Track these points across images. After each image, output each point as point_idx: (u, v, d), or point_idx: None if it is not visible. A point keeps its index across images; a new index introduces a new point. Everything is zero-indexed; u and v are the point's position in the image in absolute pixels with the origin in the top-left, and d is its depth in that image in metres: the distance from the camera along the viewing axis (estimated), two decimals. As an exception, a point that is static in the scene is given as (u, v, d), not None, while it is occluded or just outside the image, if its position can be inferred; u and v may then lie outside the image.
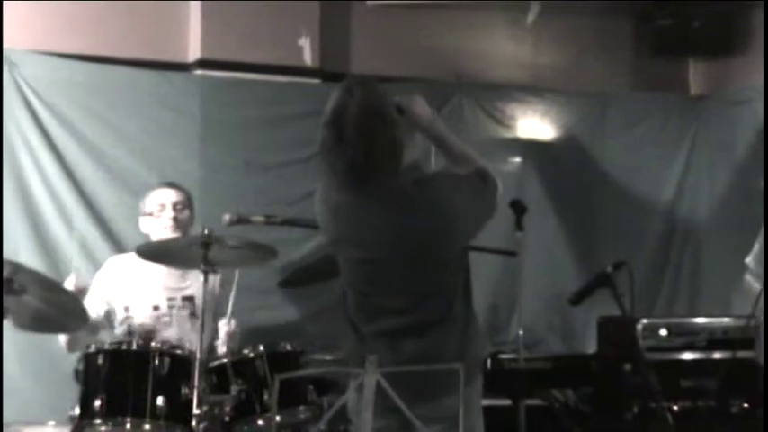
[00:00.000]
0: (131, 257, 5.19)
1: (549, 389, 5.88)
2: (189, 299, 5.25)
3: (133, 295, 5.23)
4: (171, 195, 5.33)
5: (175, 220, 5.25)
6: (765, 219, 5.48)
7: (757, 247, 5.64)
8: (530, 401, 5.27)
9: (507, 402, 5.30)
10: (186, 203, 5.34)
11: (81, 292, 4.94)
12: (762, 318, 5.46)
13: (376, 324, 3.67)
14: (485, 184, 3.69)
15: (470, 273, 3.79)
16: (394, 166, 3.52)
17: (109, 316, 5.24)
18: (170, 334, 5.13)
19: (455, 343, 3.62)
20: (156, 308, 5.22)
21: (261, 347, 4.74)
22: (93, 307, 5.12)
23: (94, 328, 5.20)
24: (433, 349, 3.59)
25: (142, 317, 5.20)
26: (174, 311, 5.23)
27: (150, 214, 5.34)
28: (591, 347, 6.28)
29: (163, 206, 5.30)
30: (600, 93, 7.40)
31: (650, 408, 5.32)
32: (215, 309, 5.20)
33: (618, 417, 5.66)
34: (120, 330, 5.21)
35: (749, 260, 5.69)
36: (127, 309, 5.23)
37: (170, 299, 5.25)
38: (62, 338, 5.14)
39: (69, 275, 5.07)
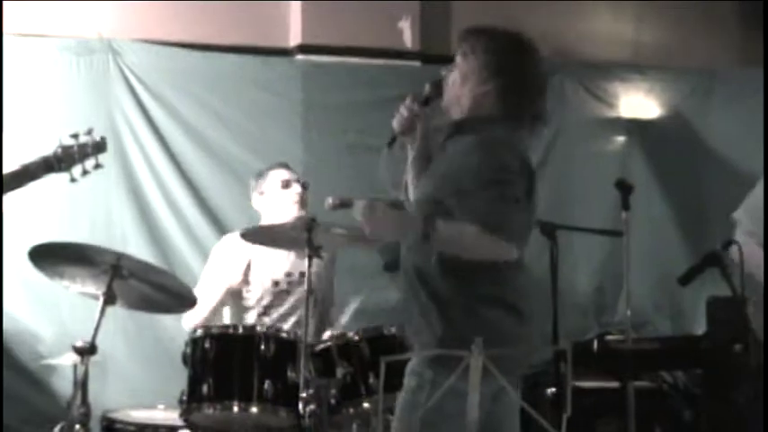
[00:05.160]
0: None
1: (657, 370, 5.81)
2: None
3: (254, 272, 5.28)
4: (292, 174, 5.38)
5: (301, 196, 5.27)
6: (765, 215, 5.30)
7: (751, 200, 5.42)
8: (638, 383, 5.21)
9: (615, 384, 5.24)
10: (306, 183, 5.35)
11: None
12: None
13: None
14: None
15: None
16: None
17: (232, 293, 5.29)
18: (288, 308, 5.17)
19: None
20: (276, 283, 5.26)
21: (366, 330, 4.74)
22: (215, 287, 5.20)
23: (217, 308, 5.27)
24: None
25: (262, 292, 5.25)
26: (293, 287, 5.26)
27: (264, 193, 5.36)
28: (700, 328, 6.17)
29: (287, 182, 5.33)
30: (705, 69, 7.26)
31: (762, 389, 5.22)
32: (326, 292, 5.27)
33: (729, 399, 5.56)
34: (248, 310, 5.26)
35: (738, 214, 5.42)
36: (248, 283, 5.28)
37: (288, 274, 5.29)
38: (190, 322, 5.15)
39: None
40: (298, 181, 5.34)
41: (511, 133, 3.56)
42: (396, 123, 3.76)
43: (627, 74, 7.10)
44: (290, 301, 5.23)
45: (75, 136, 4.18)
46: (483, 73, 3.59)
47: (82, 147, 4.18)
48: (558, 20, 7.08)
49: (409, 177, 3.85)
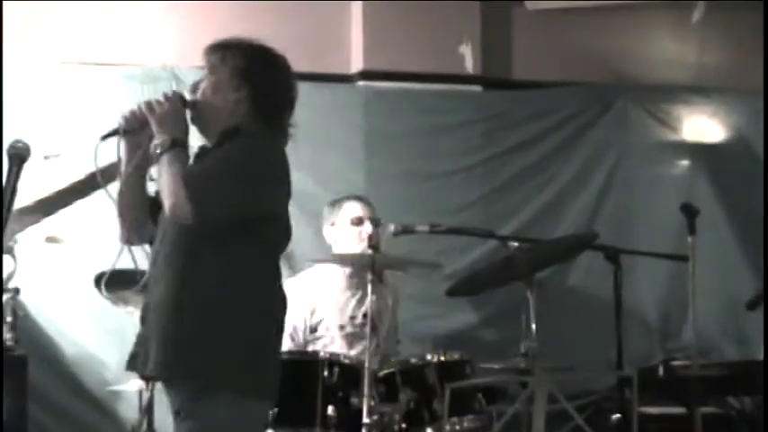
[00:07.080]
0: (311, 279, 5.27)
1: (724, 396, 5.74)
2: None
3: (319, 316, 5.27)
4: (366, 210, 5.35)
5: (370, 236, 5.15)
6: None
7: None
8: (705, 409, 5.15)
9: (681, 410, 5.19)
10: (378, 221, 5.31)
11: None
12: None
13: None
14: None
15: None
16: None
17: (295, 333, 5.27)
18: (357, 351, 5.13)
19: None
20: (341, 327, 5.25)
21: (429, 356, 4.73)
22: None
23: None
24: None
25: (330, 337, 5.23)
26: (358, 329, 5.22)
27: (335, 225, 5.37)
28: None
29: (360, 219, 5.31)
30: (770, 91, 7.19)
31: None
32: (390, 326, 5.24)
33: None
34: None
35: None
36: (315, 329, 5.26)
37: (352, 317, 5.27)
38: None
39: None
40: (370, 218, 5.31)
41: (274, 140, 3.68)
42: (123, 120, 3.60)
43: (690, 97, 7.04)
44: (359, 342, 5.18)
45: None
46: (234, 80, 3.63)
47: None
48: (619, 43, 7.05)
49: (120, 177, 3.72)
